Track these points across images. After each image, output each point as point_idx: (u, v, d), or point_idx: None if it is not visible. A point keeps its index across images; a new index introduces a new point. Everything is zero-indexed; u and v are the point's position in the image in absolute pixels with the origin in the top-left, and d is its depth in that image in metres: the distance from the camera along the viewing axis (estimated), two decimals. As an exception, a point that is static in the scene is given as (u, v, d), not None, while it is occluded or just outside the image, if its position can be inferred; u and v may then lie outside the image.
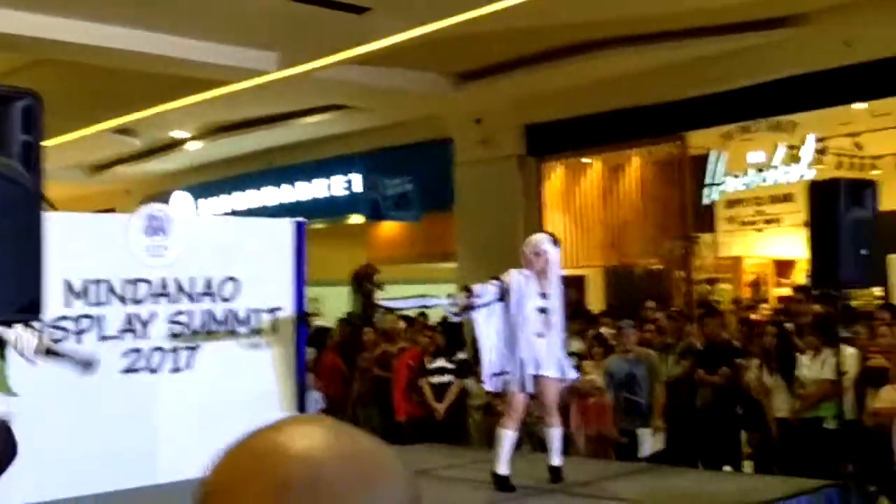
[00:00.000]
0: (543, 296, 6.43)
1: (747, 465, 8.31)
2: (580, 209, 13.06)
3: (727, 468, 8.04)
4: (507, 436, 6.44)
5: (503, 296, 6.37)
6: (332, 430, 0.87)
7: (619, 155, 12.71)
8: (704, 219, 12.40)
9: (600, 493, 6.36)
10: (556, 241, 6.70)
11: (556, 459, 6.53)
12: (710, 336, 8.49)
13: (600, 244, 12.87)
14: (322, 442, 0.85)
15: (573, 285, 13.46)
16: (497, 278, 6.46)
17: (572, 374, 6.70)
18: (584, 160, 13.13)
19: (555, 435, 6.54)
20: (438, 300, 7.09)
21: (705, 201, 12.38)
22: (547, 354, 6.36)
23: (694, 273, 12.33)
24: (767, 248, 13.36)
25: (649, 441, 7.95)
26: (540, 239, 6.70)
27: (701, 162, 12.32)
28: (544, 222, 13.20)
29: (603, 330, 9.36)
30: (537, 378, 6.36)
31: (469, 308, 6.42)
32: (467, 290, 6.44)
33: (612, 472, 7.19)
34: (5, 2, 9.16)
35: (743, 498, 6.17)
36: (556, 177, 13.32)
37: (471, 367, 9.38)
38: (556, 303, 6.50)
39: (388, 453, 0.89)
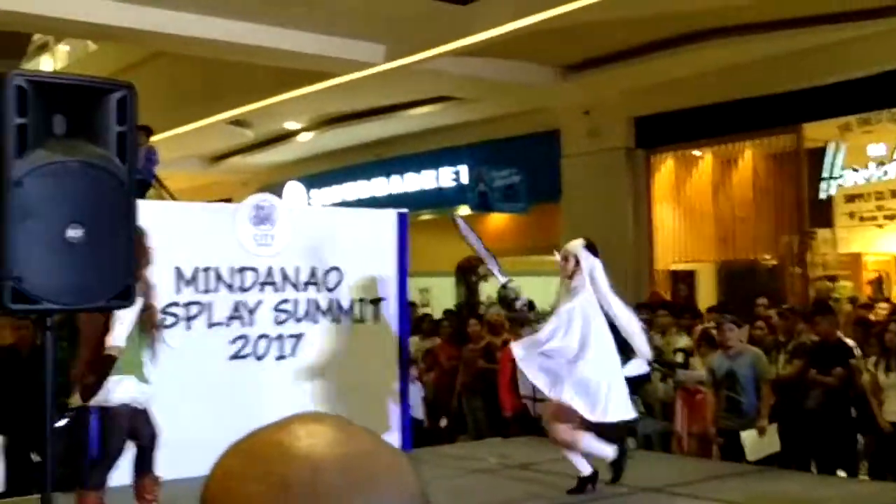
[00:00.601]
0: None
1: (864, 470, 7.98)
2: (690, 203, 12.76)
3: (841, 473, 7.73)
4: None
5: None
6: (337, 428, 0.85)
7: (732, 147, 12.36)
8: (821, 214, 11.94)
9: (702, 495, 6.21)
10: (592, 248, 6.21)
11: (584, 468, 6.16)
12: (824, 335, 8.17)
13: (712, 239, 12.55)
14: (324, 441, 0.83)
15: (683, 280, 13.22)
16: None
17: (585, 412, 5.93)
18: (695, 153, 12.82)
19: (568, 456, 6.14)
20: (504, 277, 6.82)
21: (822, 196, 11.92)
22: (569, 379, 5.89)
23: (810, 269, 11.91)
24: (889, 245, 12.80)
25: (755, 443, 7.63)
26: (572, 244, 6.26)
27: (818, 155, 11.87)
28: (653, 216, 12.96)
29: (710, 325, 9.12)
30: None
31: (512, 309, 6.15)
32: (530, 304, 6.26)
33: (716, 473, 7.01)
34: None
35: (852, 504, 5.95)
36: (665, 169, 13.05)
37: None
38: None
39: (393, 454, 0.86)
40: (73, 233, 3.10)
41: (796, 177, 11.69)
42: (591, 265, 6.04)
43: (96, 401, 4.94)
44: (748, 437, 7.47)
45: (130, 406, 5.02)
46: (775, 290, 11.52)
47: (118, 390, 4.95)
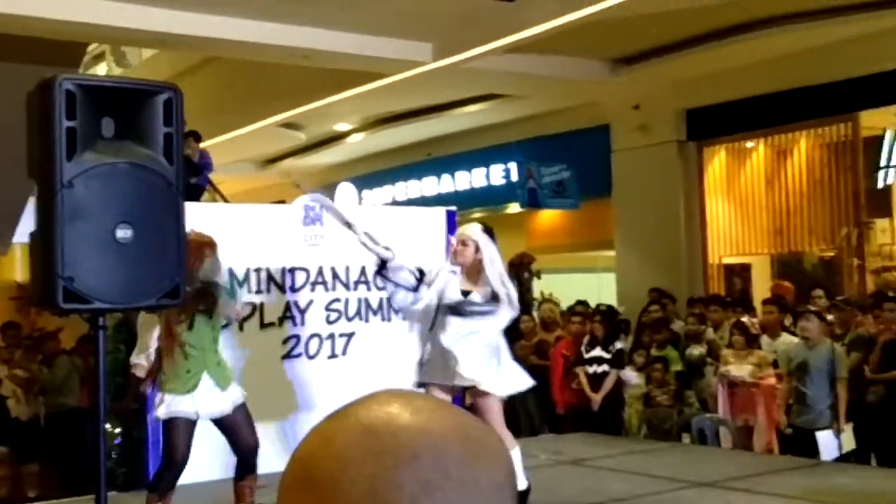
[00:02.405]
0: (465, 294, 5.70)
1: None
2: (744, 195, 12.59)
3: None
4: None
5: (417, 286, 5.82)
6: (436, 403, 0.86)
7: (786, 138, 12.17)
8: (879, 203, 11.71)
9: (759, 489, 6.12)
10: (489, 232, 5.86)
11: (520, 482, 5.82)
12: (887, 327, 8.00)
13: (766, 231, 12.37)
14: (436, 416, 0.83)
15: (738, 274, 13.05)
16: (419, 269, 5.93)
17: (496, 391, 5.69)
18: (748, 144, 12.65)
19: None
20: (385, 252, 6.34)
21: (880, 185, 11.70)
22: (472, 360, 5.61)
23: (868, 261, 11.68)
24: (951, 234, 12.52)
25: (831, 444, 7.45)
26: (469, 227, 5.91)
27: (875, 143, 11.65)
28: (706, 209, 12.82)
29: (745, 318, 9.00)
30: (467, 389, 5.71)
31: (383, 275, 5.98)
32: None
33: (775, 467, 6.92)
34: (178, 4, 9.61)
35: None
36: (717, 162, 12.90)
37: (627, 357, 9.24)
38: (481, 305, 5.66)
39: (491, 428, 0.88)
40: (123, 233, 3.17)
41: (852, 166, 11.47)
42: (491, 250, 5.75)
43: (158, 413, 4.98)
44: (823, 437, 7.33)
45: (190, 418, 5.00)
46: (833, 282, 11.33)
47: (173, 404, 4.95)
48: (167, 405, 4.89)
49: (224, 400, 5.02)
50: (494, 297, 5.67)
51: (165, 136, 3.27)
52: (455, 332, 5.66)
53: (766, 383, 7.98)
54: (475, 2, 9.61)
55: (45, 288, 3.16)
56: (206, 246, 5.03)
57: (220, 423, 5.11)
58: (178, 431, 4.89)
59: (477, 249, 5.72)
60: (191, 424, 4.94)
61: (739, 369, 8.07)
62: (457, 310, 5.67)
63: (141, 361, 4.98)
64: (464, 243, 5.76)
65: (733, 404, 8.12)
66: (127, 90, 3.32)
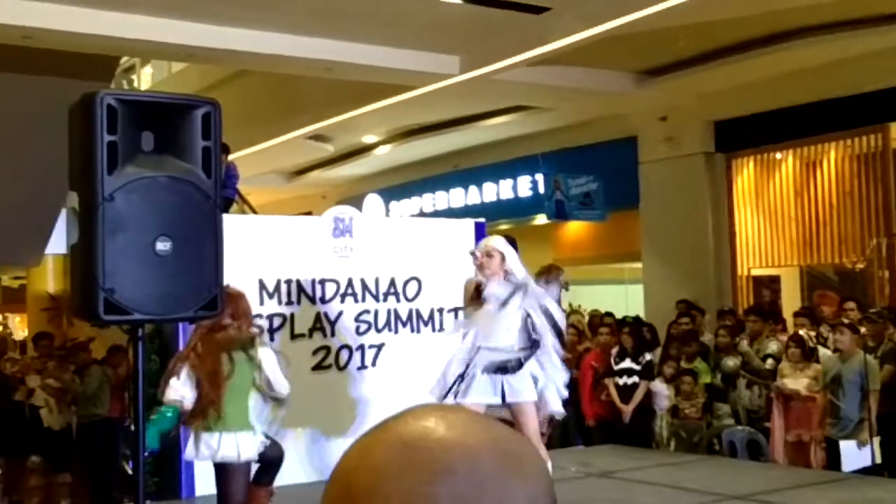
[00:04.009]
0: (503, 305, 5.68)
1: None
2: (773, 207, 12.53)
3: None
4: None
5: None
6: (471, 416, 0.87)
7: (815, 149, 12.11)
8: (911, 215, 11.61)
9: (791, 503, 6.08)
10: (512, 242, 5.99)
11: None
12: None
13: (795, 243, 12.30)
14: (471, 429, 0.84)
15: (767, 286, 12.98)
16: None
17: (538, 400, 5.73)
18: (777, 156, 12.59)
19: None
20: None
21: (911, 196, 11.60)
22: (515, 378, 5.64)
23: (899, 273, 11.59)
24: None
25: (854, 455, 7.41)
26: (493, 239, 6.02)
27: (906, 155, 11.57)
28: (734, 220, 12.77)
29: (801, 332, 8.93)
30: (509, 407, 5.68)
31: None
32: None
33: (807, 481, 6.87)
34: (207, 17, 9.71)
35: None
36: (746, 173, 12.85)
37: (657, 368, 9.21)
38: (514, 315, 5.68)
39: (527, 441, 0.89)
40: (162, 245, 3.22)
41: (883, 178, 11.39)
42: (515, 261, 5.81)
43: (208, 456, 5.00)
44: (847, 446, 7.28)
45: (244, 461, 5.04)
46: (863, 293, 11.24)
47: (226, 447, 4.97)
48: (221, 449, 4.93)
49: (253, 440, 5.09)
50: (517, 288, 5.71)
51: (204, 150, 3.32)
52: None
53: (822, 398, 7.90)
54: (502, 14, 9.66)
55: (86, 299, 3.21)
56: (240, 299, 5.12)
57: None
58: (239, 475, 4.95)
59: (503, 260, 5.76)
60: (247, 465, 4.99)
61: (795, 383, 8.00)
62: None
63: None
64: (489, 255, 5.79)
65: (788, 418, 8.04)
66: (167, 104, 3.37)
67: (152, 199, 3.24)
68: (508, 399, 5.67)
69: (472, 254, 5.97)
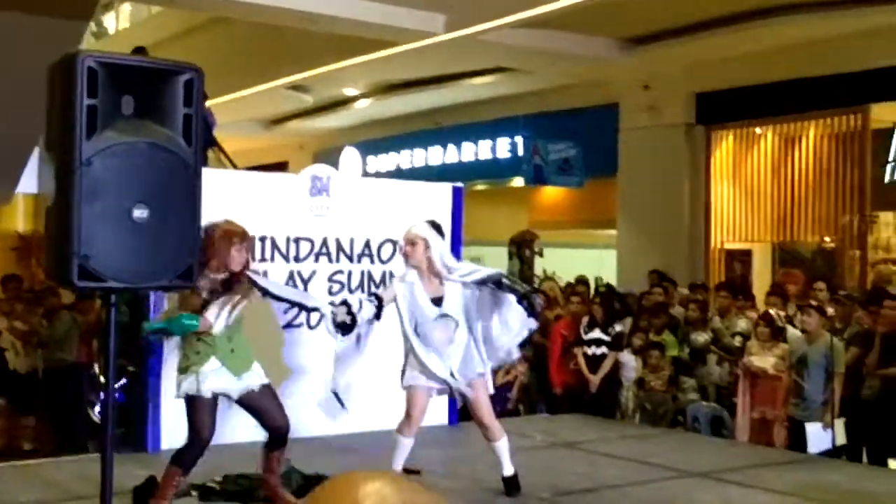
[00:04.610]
0: (436, 302, 5.57)
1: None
2: (750, 181, 12.58)
3: (893, 464, 7.62)
4: (401, 443, 5.59)
5: (378, 313, 5.53)
6: (393, 480, 1.22)
7: (795, 126, 12.14)
8: (885, 197, 11.70)
9: (751, 482, 6.18)
10: (437, 227, 5.74)
11: (507, 469, 5.71)
12: (887, 324, 8.02)
13: (769, 219, 12.37)
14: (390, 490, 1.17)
15: (739, 260, 13.07)
16: (376, 295, 5.67)
17: (485, 369, 5.68)
18: (757, 130, 12.62)
19: (497, 448, 5.68)
20: (317, 304, 5.86)
21: (887, 178, 11.68)
22: (462, 361, 5.57)
23: (871, 253, 11.70)
24: (954, 230, 12.54)
25: (819, 437, 7.51)
26: (416, 226, 5.70)
27: (884, 136, 11.62)
28: (710, 193, 12.82)
29: (771, 310, 8.99)
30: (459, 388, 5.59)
31: (347, 328, 5.47)
32: (346, 305, 5.50)
33: (768, 461, 6.97)
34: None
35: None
36: (725, 147, 12.87)
37: (626, 339, 9.27)
38: (455, 302, 5.57)
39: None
40: (140, 213, 3.17)
41: (860, 158, 11.45)
42: (440, 247, 5.65)
43: (183, 390, 4.99)
44: (812, 429, 7.38)
45: (215, 396, 5.02)
46: (834, 273, 11.34)
47: (205, 381, 4.96)
48: (186, 384, 4.92)
49: (234, 382, 5.04)
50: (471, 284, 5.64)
51: (185, 117, 3.26)
52: (444, 335, 5.61)
53: (788, 377, 7.98)
54: (491, -25, 9.55)
55: (61, 265, 3.16)
56: (236, 235, 5.05)
57: (244, 404, 5.14)
58: (201, 409, 4.93)
59: (427, 247, 5.60)
60: (212, 401, 4.97)
61: (762, 361, 8.06)
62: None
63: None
64: (412, 243, 5.62)
65: (753, 396, 8.11)
66: (149, 69, 3.30)
67: (131, 164, 3.18)
68: (461, 383, 5.60)
69: (396, 243, 5.80)
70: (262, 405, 5.15)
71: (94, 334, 9.86)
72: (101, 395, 9.73)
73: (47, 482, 5.96)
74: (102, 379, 9.63)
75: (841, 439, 7.51)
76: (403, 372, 5.71)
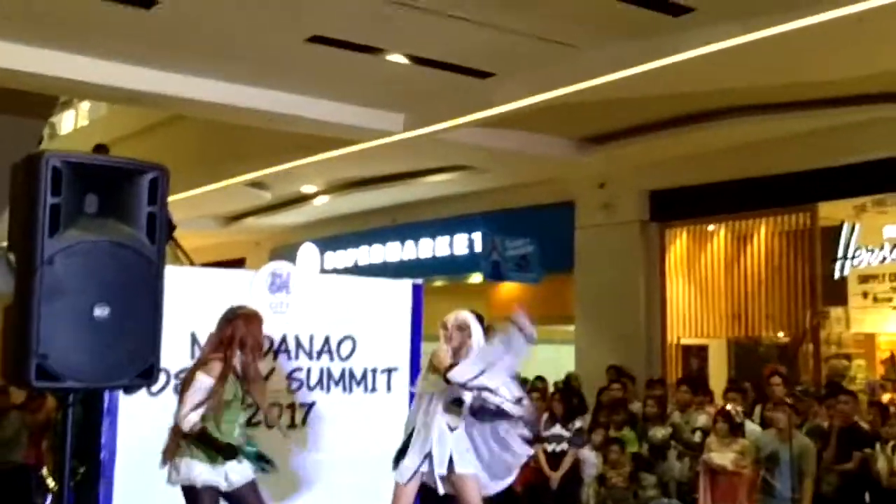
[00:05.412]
0: (451, 367, 5.82)
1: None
2: (704, 277, 12.77)
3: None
4: None
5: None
6: None
7: (746, 224, 12.40)
8: (835, 293, 11.91)
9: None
10: (479, 318, 6.17)
11: None
12: (842, 418, 8.09)
13: (724, 314, 12.53)
14: None
15: (695, 356, 13.17)
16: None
17: (496, 480, 5.83)
18: (709, 228, 12.87)
19: None
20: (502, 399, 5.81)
21: (836, 275, 11.91)
22: (461, 449, 5.73)
23: (823, 348, 11.86)
24: (904, 326, 12.75)
25: None
26: (464, 315, 6.14)
27: (833, 234, 11.89)
28: (665, 289, 12.97)
29: (729, 406, 9.02)
30: (451, 477, 5.73)
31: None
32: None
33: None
34: (146, 62, 9.63)
35: None
36: (679, 244, 13.09)
37: (587, 436, 9.23)
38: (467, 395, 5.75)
39: None
40: (100, 311, 3.14)
41: (810, 255, 11.70)
42: (479, 338, 6.02)
43: (179, 479, 4.90)
44: None
45: (215, 488, 4.93)
46: (788, 367, 11.44)
47: (196, 472, 4.88)
48: (197, 474, 4.83)
49: (246, 468, 4.99)
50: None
51: (149, 216, 3.27)
52: (451, 425, 5.76)
53: (748, 473, 7.97)
54: (448, 77, 9.76)
55: (18, 364, 3.11)
56: (259, 319, 5.09)
57: (231, 496, 5.04)
58: (206, 501, 4.84)
59: (470, 336, 5.99)
60: (216, 496, 4.88)
61: (722, 457, 8.05)
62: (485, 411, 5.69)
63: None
64: (461, 328, 6.00)
65: (714, 493, 8.08)
66: (113, 168, 3.31)
67: (93, 263, 3.16)
68: (458, 470, 5.68)
69: (444, 324, 6.04)
70: (250, 496, 5.07)
71: (43, 434, 9.62)
72: (49, 497, 9.45)
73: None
74: (50, 481, 9.38)
75: None
76: (398, 461, 5.87)
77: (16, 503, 9.50)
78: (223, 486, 4.94)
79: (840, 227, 11.93)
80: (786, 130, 10.78)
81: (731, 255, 12.54)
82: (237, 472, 5.01)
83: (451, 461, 5.68)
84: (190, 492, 4.87)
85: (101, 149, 9.26)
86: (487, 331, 10.52)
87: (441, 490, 5.80)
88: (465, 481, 5.69)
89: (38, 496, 9.56)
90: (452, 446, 5.71)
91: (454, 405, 5.78)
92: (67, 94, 13.41)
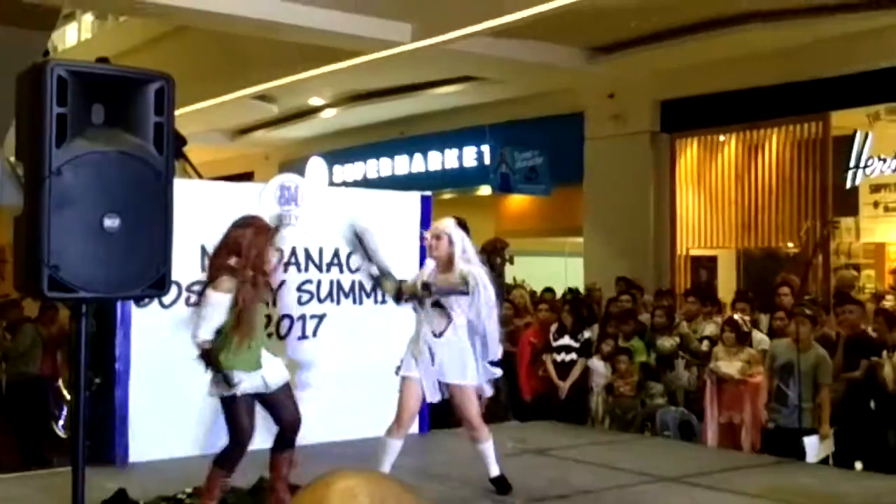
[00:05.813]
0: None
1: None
2: (714, 188, 12.70)
3: (859, 466, 7.70)
4: (387, 446, 5.65)
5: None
6: (375, 481, 1.29)
7: (758, 134, 12.28)
8: (846, 203, 11.87)
9: (722, 486, 6.22)
10: (463, 225, 5.96)
11: (494, 470, 5.87)
12: (849, 327, 8.11)
13: (734, 225, 12.49)
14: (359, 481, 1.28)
15: (704, 266, 13.19)
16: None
17: (478, 382, 5.83)
18: (720, 138, 12.75)
19: (483, 450, 5.83)
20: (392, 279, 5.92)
21: (848, 185, 11.85)
22: (450, 359, 5.71)
23: (833, 258, 11.86)
24: (914, 235, 12.71)
25: (816, 448, 7.55)
26: (443, 222, 5.94)
27: (845, 143, 11.79)
28: (675, 200, 12.93)
29: (736, 316, 9.06)
30: (445, 384, 5.74)
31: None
32: (426, 287, 5.70)
33: (738, 465, 7.02)
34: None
35: (870, 500, 5.95)
36: (689, 154, 12.99)
37: (595, 346, 9.31)
38: (460, 299, 5.68)
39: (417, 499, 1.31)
40: (110, 222, 3.14)
41: (822, 165, 11.61)
42: (463, 245, 5.84)
43: (217, 391, 4.99)
44: (810, 442, 7.43)
45: (247, 395, 5.00)
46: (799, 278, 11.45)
47: (236, 380, 4.95)
48: (237, 382, 4.89)
49: (281, 368, 5.14)
50: (464, 282, 5.73)
51: (156, 126, 3.24)
52: (435, 330, 5.74)
53: (754, 381, 8.03)
54: (457, -16, 9.58)
55: (30, 275, 3.13)
56: (269, 232, 5.13)
57: (265, 398, 5.11)
58: (244, 410, 4.93)
59: (450, 243, 5.79)
60: (252, 401, 4.97)
61: (729, 366, 8.11)
62: (427, 287, 5.70)
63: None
64: (438, 237, 5.82)
65: (720, 401, 8.16)
66: (119, 78, 3.28)
67: (101, 174, 3.15)
68: (448, 380, 5.70)
69: (423, 235, 5.99)
70: (283, 397, 5.15)
71: (57, 346, 9.75)
72: (65, 408, 9.63)
73: (11, 498, 5.86)
74: (66, 391, 9.54)
75: (832, 448, 7.59)
76: (402, 360, 5.89)
77: (33, 414, 9.68)
78: (264, 390, 5.02)
79: (853, 137, 11.83)
80: (797, 39, 10.59)
81: (742, 165, 12.45)
82: (274, 374, 5.10)
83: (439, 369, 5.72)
84: (228, 401, 4.95)
85: (102, 62, 9.16)
86: (494, 245, 10.57)
87: (434, 398, 5.85)
88: (459, 392, 5.74)
89: (54, 407, 9.75)
90: (444, 356, 5.72)
91: (435, 309, 5.76)
92: (74, 7, 13.21)
